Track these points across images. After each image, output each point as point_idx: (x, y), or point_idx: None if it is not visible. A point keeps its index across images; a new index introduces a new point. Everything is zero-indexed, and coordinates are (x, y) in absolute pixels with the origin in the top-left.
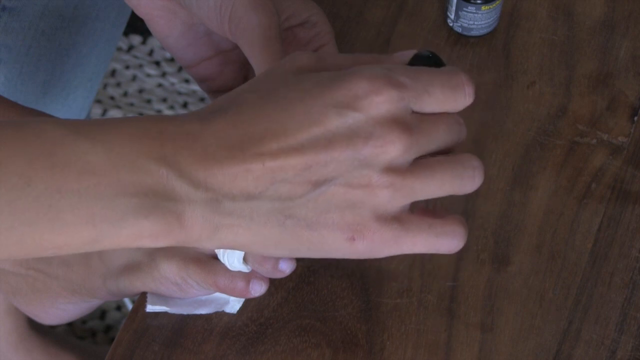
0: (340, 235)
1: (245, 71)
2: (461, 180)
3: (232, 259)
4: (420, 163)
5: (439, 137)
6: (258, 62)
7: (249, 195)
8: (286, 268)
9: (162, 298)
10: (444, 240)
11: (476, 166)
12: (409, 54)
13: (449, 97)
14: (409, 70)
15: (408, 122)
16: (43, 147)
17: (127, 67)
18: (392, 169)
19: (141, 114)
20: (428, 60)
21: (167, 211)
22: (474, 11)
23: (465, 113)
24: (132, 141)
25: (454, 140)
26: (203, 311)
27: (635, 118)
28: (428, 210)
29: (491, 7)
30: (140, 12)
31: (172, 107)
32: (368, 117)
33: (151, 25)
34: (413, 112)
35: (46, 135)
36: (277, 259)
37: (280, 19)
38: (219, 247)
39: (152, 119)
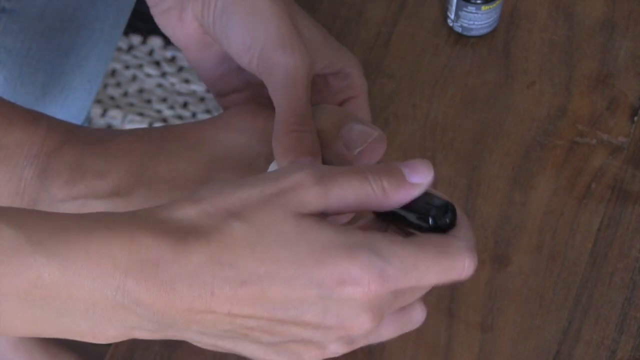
0: None
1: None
2: (401, 335)
3: None
4: (375, 330)
5: (406, 302)
6: (279, 104)
7: (205, 328)
8: None
9: None
10: None
11: (418, 322)
12: (424, 178)
13: (437, 283)
14: (406, 261)
15: (383, 308)
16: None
17: (127, 67)
18: (349, 342)
19: (141, 114)
20: (440, 213)
21: (113, 329)
22: (474, 11)
23: (465, 113)
24: (93, 264)
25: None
26: None
27: (635, 118)
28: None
29: (491, 7)
30: (175, 41)
31: (172, 107)
32: (345, 300)
33: (186, 54)
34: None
35: (5, 243)
36: None
37: (315, 65)
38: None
39: (125, 235)
